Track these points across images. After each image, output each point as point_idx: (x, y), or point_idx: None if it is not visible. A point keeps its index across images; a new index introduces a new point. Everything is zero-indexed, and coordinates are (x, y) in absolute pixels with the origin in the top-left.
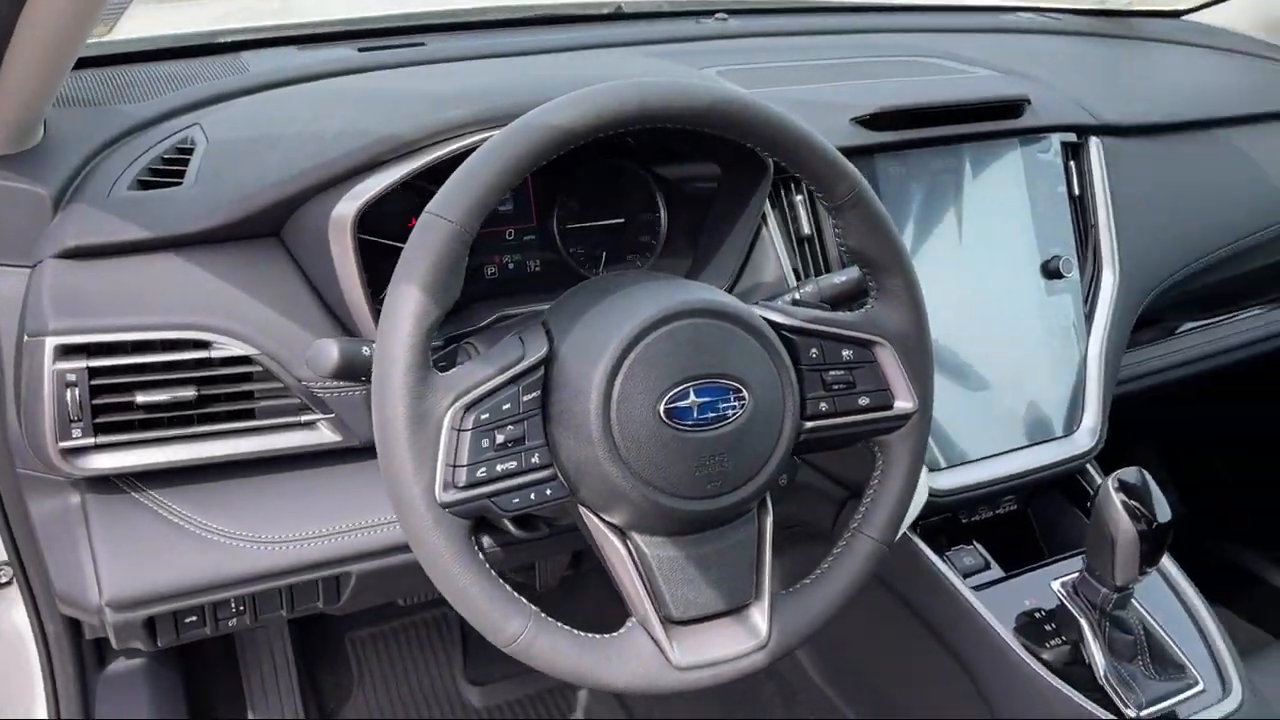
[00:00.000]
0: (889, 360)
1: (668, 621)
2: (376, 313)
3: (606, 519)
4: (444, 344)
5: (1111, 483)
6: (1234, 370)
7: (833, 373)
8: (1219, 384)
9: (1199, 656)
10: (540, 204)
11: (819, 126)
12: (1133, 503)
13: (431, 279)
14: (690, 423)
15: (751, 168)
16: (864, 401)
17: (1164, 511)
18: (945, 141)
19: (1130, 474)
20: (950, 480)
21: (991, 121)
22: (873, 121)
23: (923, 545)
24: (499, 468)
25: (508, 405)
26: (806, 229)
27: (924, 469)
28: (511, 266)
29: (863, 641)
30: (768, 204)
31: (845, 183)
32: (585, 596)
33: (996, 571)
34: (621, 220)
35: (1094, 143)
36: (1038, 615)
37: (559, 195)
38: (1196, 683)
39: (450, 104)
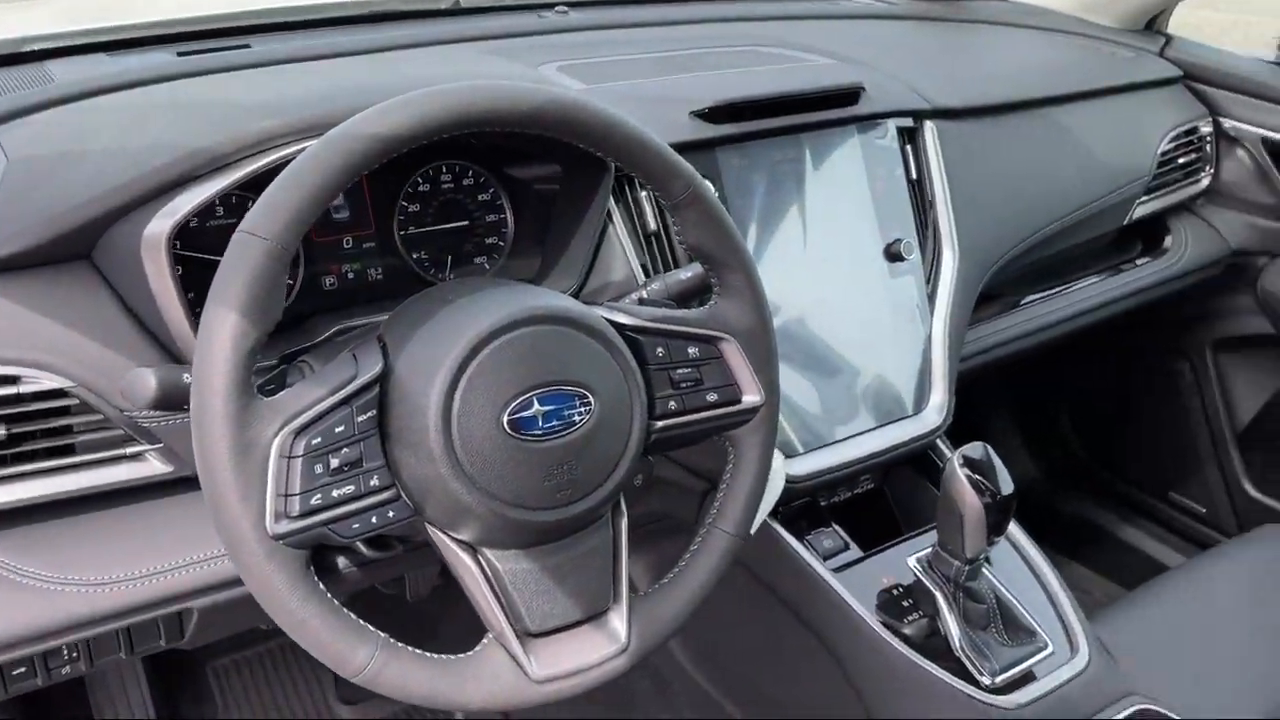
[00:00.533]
0: (734, 355)
1: (524, 635)
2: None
3: (455, 536)
4: (277, 363)
5: (956, 459)
6: (1073, 336)
7: (680, 371)
8: (1060, 349)
9: (1048, 620)
10: (378, 209)
11: (658, 121)
12: (977, 477)
13: (248, 300)
14: (536, 433)
15: (592, 166)
16: (712, 398)
17: (1006, 484)
18: (785, 132)
19: (974, 450)
20: (807, 465)
21: (829, 110)
22: (711, 115)
23: (783, 532)
24: (335, 493)
25: (341, 427)
26: (653, 225)
27: (780, 456)
28: (351, 276)
29: (732, 630)
30: (612, 201)
31: (680, 180)
32: (460, 604)
33: (855, 552)
34: (466, 223)
35: (929, 127)
36: (896, 592)
37: (398, 200)
38: (1046, 645)
39: (265, 113)
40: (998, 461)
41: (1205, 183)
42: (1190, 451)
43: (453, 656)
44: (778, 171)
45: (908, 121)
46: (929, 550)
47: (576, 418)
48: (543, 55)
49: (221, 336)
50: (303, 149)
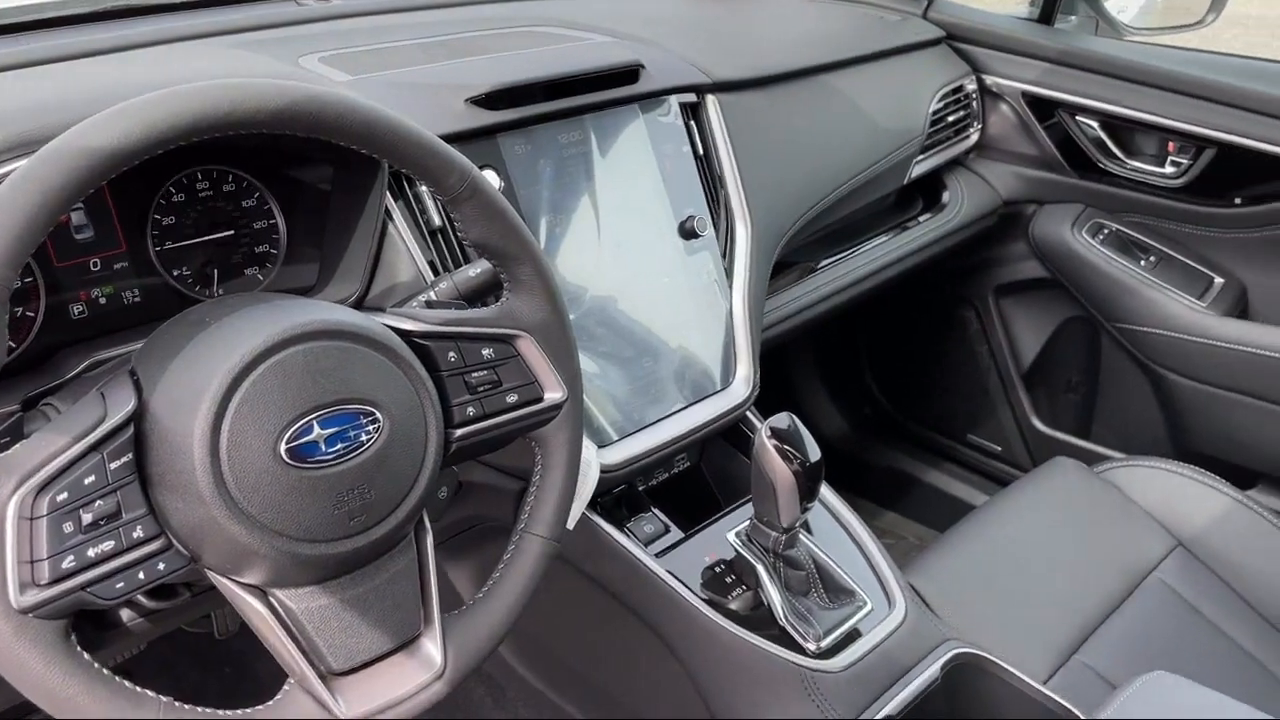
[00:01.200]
0: (532, 352)
1: (329, 675)
2: None
3: (241, 580)
4: (18, 409)
5: (764, 431)
6: (868, 295)
7: (476, 374)
8: (857, 307)
9: (865, 578)
10: (128, 225)
11: (432, 110)
12: (785, 447)
13: None
14: (319, 459)
15: (365, 163)
16: (513, 398)
17: (814, 451)
18: (567, 114)
19: (780, 420)
20: (621, 453)
21: (610, 90)
22: (489, 100)
23: (602, 522)
24: (91, 552)
25: (92, 477)
26: (437, 220)
27: (593, 446)
28: (104, 301)
29: (562, 628)
30: (391, 198)
31: (455, 174)
32: None
33: (676, 533)
34: (231, 233)
35: (711, 101)
36: (719, 569)
37: (150, 213)
38: (866, 603)
39: None
40: (804, 429)
41: (974, 138)
42: (982, 394)
43: (247, 712)
44: (564, 155)
45: (690, 97)
46: (747, 523)
47: (365, 437)
48: (302, 47)
49: None
50: (10, 171)
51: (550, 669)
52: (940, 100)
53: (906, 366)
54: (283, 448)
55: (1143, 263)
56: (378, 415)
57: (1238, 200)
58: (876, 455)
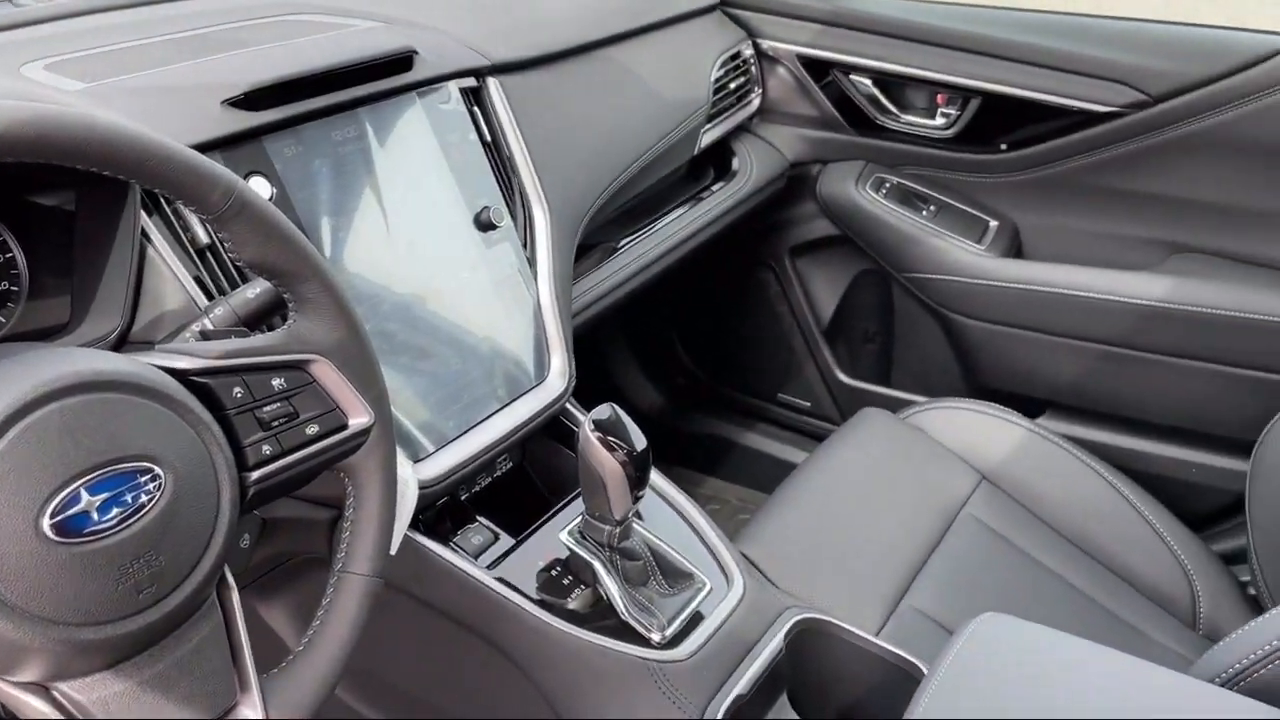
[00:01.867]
0: (329, 376)
1: None
2: None
3: (15, 680)
4: None
5: (587, 425)
6: (672, 268)
7: (268, 408)
8: (663, 281)
9: (701, 557)
10: None
11: (185, 117)
12: (610, 439)
13: None
14: (93, 530)
15: (109, 182)
16: (313, 430)
17: (639, 439)
18: (339, 109)
19: (602, 412)
20: (439, 465)
21: (382, 80)
22: (249, 100)
23: (426, 541)
24: None
25: None
26: (204, 238)
27: (409, 463)
28: None
29: (402, 658)
30: (145, 216)
31: (218, 189)
32: None
33: (507, 540)
34: None
35: (493, 84)
36: (555, 571)
37: None
38: (704, 584)
39: None
40: (626, 418)
41: (756, 103)
42: (788, 353)
43: None
44: (340, 154)
45: (470, 81)
46: (579, 520)
47: (144, 499)
48: (23, 53)
49: None
50: None
51: (395, 703)
52: (721, 68)
53: (714, 333)
54: (46, 524)
55: (924, 213)
56: (157, 471)
57: (1003, 146)
58: (693, 424)
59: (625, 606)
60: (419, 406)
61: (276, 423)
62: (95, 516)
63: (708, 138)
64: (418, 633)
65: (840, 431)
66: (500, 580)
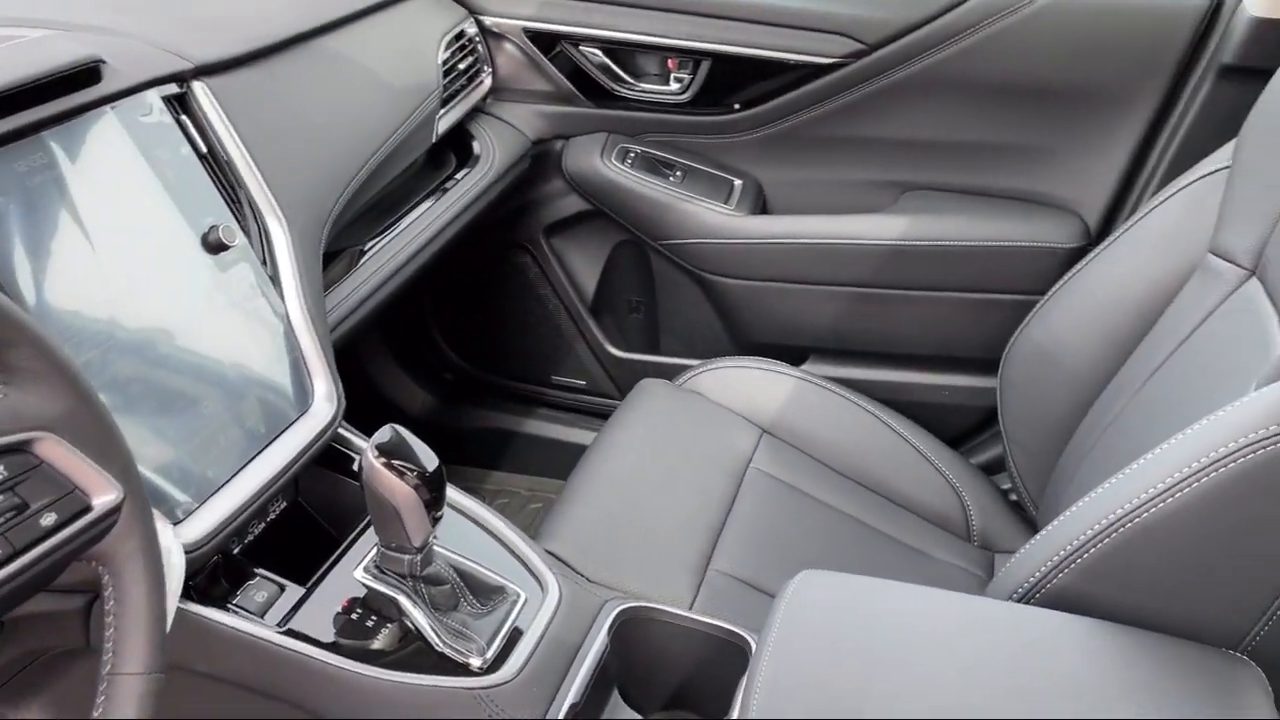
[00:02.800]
0: (59, 453)
1: None
2: None
3: None
4: None
5: (370, 453)
6: (429, 264)
7: None
8: (419, 280)
9: (509, 567)
10: None
11: None
12: (397, 463)
13: None
14: None
15: None
16: (50, 520)
17: (430, 459)
18: (20, 135)
19: (384, 435)
20: (202, 524)
21: (68, 97)
22: None
23: (201, 610)
24: None
25: None
26: None
27: (169, 529)
28: None
29: None
30: None
31: None
32: None
33: (295, 590)
34: None
35: (199, 88)
36: (355, 614)
37: None
38: (519, 595)
39: None
40: (411, 437)
41: (488, 83)
42: (557, 334)
43: None
44: (29, 187)
45: (172, 88)
46: (374, 553)
47: None
48: None
49: None
50: None
51: None
52: (446, 49)
53: (478, 324)
54: None
55: (671, 179)
56: None
57: (736, 106)
58: (469, 419)
59: (439, 637)
60: (171, 461)
61: (2, 519)
62: None
63: (444, 123)
64: (215, 713)
65: (621, 408)
66: (294, 635)
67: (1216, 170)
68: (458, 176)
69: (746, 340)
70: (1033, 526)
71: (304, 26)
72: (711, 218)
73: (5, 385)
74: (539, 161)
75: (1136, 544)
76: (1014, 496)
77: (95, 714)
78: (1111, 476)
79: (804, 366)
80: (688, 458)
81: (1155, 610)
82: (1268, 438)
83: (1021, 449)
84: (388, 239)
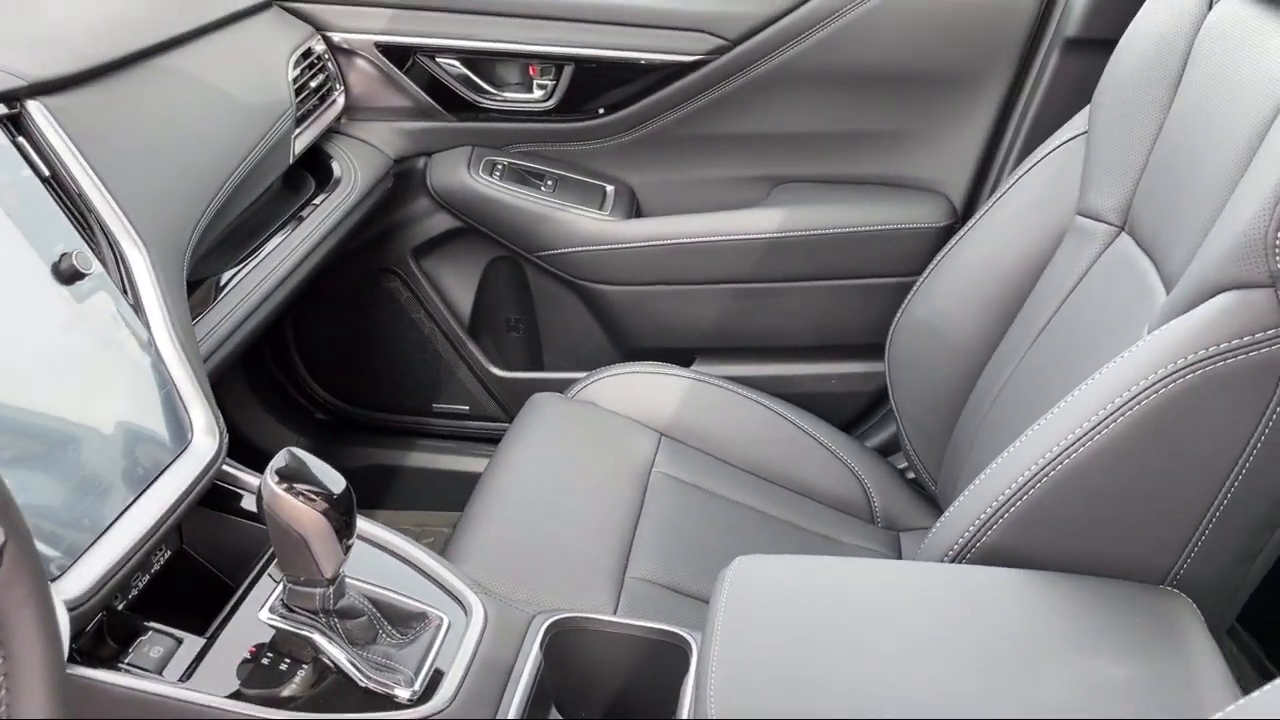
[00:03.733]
0: None
1: None
2: None
3: None
4: None
5: (271, 479)
6: (294, 294)
7: None
8: (284, 312)
9: (428, 593)
10: None
11: None
12: (301, 487)
13: None
14: None
15: None
16: None
17: (336, 481)
18: None
19: (282, 460)
20: (80, 580)
21: None
22: None
23: (90, 673)
24: None
25: None
26: None
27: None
28: None
29: None
30: None
31: None
32: None
33: (195, 641)
34: None
35: (34, 107)
36: (266, 660)
37: None
38: (442, 620)
39: None
40: (313, 459)
41: (342, 102)
42: (436, 360)
43: None
44: None
45: (2, 109)
46: (279, 590)
47: None
48: None
49: None
50: None
51: None
52: (295, 66)
53: (348, 356)
54: None
55: (542, 189)
56: None
57: (601, 110)
58: (346, 458)
59: (361, 672)
60: (39, 515)
61: None
62: None
63: (300, 143)
64: None
65: (514, 425)
66: (197, 691)
67: (1074, 137)
68: (318, 201)
69: (632, 348)
70: (933, 502)
71: (145, 43)
72: (586, 225)
73: None
74: (402, 180)
75: (1059, 492)
76: (911, 475)
77: None
78: (1011, 440)
79: (693, 368)
80: (589, 468)
81: (1084, 554)
82: (1171, 374)
83: (915, 426)
84: (248, 268)
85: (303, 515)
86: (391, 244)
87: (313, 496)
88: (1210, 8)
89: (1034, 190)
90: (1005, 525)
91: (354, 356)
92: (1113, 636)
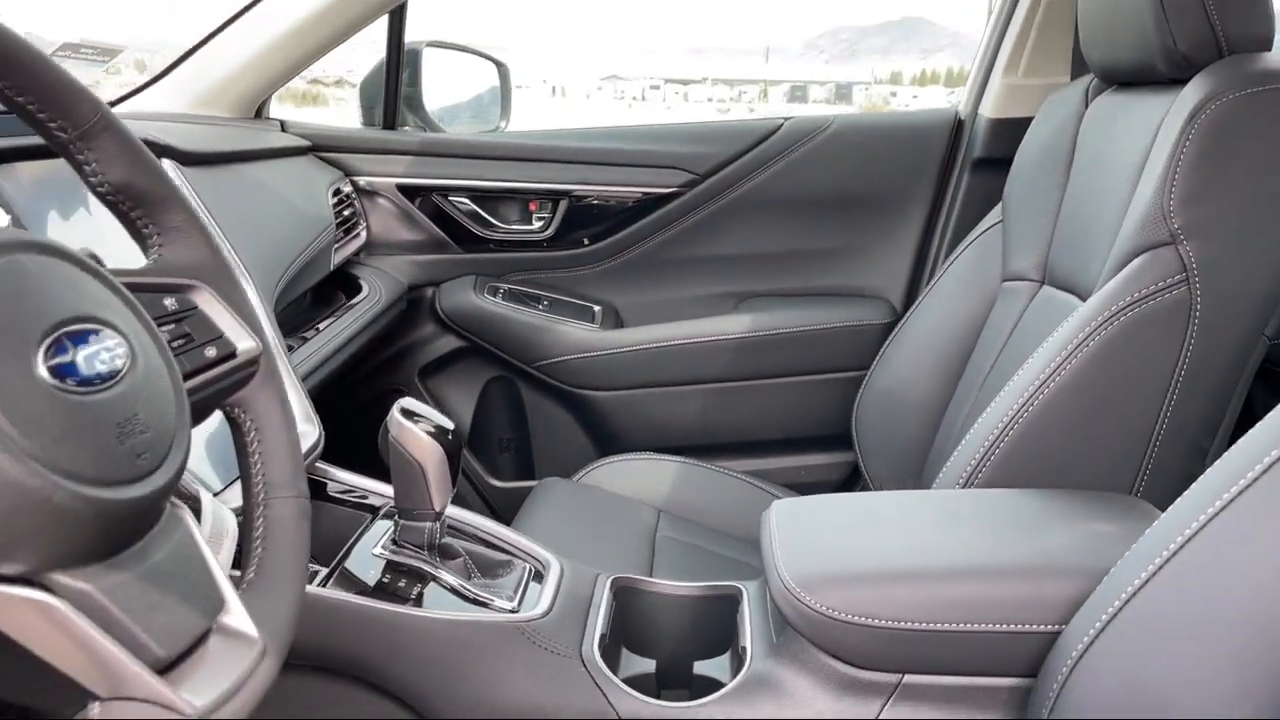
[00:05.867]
0: (210, 302)
1: (159, 669)
2: None
3: (6, 574)
4: None
5: (397, 413)
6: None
7: (165, 328)
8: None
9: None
10: None
11: None
12: (423, 423)
13: None
14: (80, 381)
15: None
16: (211, 353)
17: (447, 421)
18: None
19: (405, 402)
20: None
21: None
22: None
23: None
24: None
25: None
26: None
27: (211, 495)
28: None
29: None
30: None
31: (86, 101)
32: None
33: (318, 570)
34: None
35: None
36: (385, 579)
37: None
38: (525, 567)
39: None
40: (427, 408)
41: (364, 236)
42: None
43: None
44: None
45: None
46: (390, 530)
47: (119, 363)
48: None
49: None
50: None
51: None
52: (333, 197)
53: (352, 465)
54: (43, 368)
55: (539, 308)
56: (122, 339)
57: (585, 241)
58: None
59: (469, 588)
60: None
61: (176, 344)
62: (82, 368)
63: (339, 255)
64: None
65: (527, 503)
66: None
67: (991, 226)
68: (351, 302)
69: (620, 451)
70: None
71: (237, 147)
72: (579, 335)
73: (161, 241)
74: (412, 307)
75: (1033, 428)
76: None
77: (255, 534)
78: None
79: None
80: (600, 533)
81: (1063, 479)
82: (1104, 321)
83: (885, 485)
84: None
85: (424, 444)
86: (400, 365)
87: (431, 430)
88: (1087, 105)
89: (966, 269)
90: (994, 464)
91: (361, 466)
92: (1101, 511)
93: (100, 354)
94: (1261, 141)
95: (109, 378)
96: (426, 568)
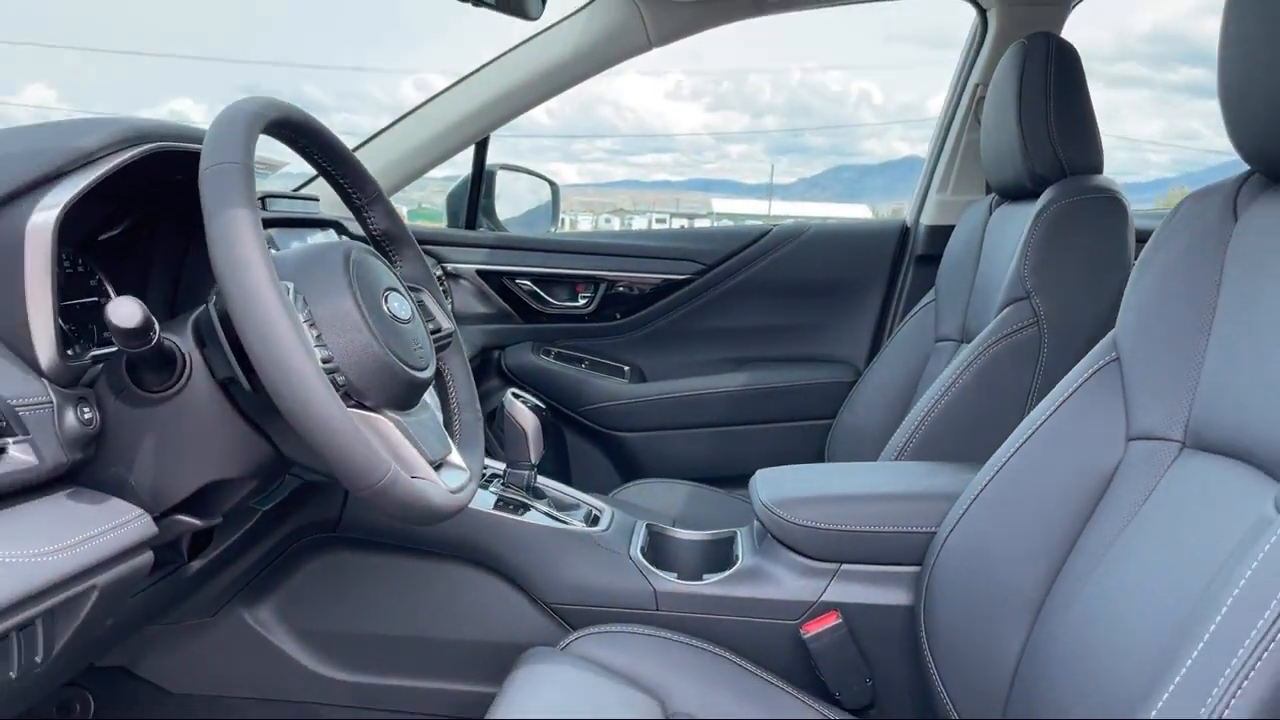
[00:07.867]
0: (428, 299)
1: (431, 466)
2: (59, 332)
3: (366, 404)
4: None
5: (510, 396)
6: None
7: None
8: None
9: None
10: None
11: None
12: (527, 402)
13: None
14: (400, 320)
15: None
16: (432, 326)
17: (538, 404)
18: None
19: (515, 391)
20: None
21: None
22: None
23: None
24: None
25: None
26: None
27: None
28: None
29: (378, 610)
30: None
31: (370, 182)
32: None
33: None
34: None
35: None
36: (498, 506)
37: None
38: (588, 509)
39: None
40: (526, 393)
41: (450, 309)
42: None
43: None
44: None
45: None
46: (495, 483)
47: (409, 312)
48: None
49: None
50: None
51: (367, 658)
52: None
53: None
54: (385, 307)
55: (581, 367)
56: (408, 302)
57: (618, 316)
58: None
59: (558, 515)
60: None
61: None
62: (399, 312)
63: None
64: (395, 581)
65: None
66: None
67: (927, 304)
68: None
69: (643, 477)
70: None
71: None
72: (614, 386)
73: (401, 263)
74: (484, 364)
75: (938, 425)
76: None
77: (455, 426)
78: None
79: (690, 484)
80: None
81: (956, 458)
82: (980, 353)
83: None
84: None
85: (526, 415)
86: None
87: (531, 407)
88: (990, 214)
89: (908, 335)
90: (913, 449)
91: None
92: (967, 468)
93: (405, 305)
94: (1086, 233)
95: (408, 320)
96: (526, 500)
